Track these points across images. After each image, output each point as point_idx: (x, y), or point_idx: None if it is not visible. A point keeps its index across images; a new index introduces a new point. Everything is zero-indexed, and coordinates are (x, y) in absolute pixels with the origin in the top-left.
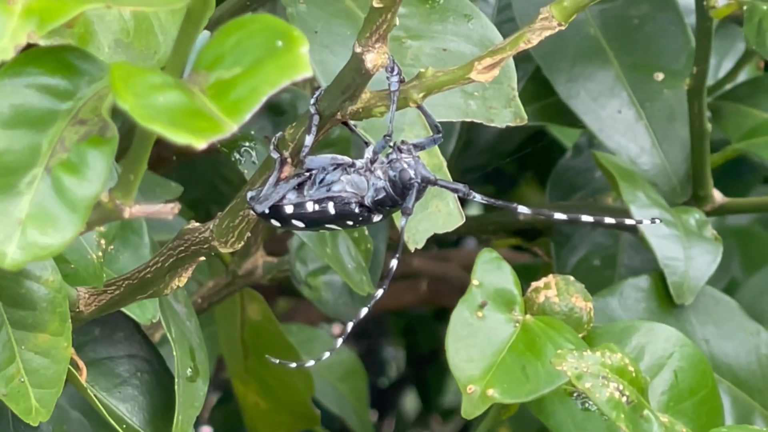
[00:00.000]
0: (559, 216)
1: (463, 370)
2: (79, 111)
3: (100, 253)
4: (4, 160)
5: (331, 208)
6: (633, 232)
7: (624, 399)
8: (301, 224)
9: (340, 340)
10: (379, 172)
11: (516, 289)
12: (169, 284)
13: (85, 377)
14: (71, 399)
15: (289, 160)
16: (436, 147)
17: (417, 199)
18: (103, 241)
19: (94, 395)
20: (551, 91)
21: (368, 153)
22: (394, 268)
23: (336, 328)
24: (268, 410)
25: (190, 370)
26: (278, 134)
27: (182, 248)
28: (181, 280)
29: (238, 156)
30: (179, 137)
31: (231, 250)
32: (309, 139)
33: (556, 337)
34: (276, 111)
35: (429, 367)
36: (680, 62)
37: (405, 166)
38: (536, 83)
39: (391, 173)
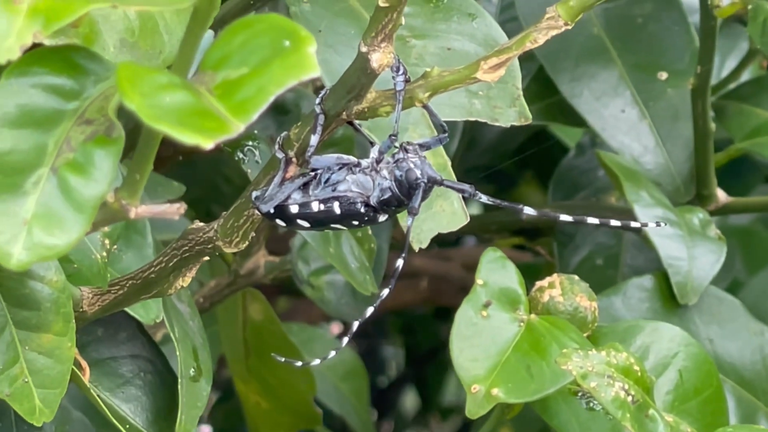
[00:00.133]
0: (565, 218)
1: (467, 370)
2: (86, 111)
3: (105, 253)
4: (10, 160)
5: (336, 207)
6: (636, 232)
7: (629, 398)
8: (306, 224)
9: (345, 339)
10: (384, 172)
11: (520, 289)
12: (173, 284)
13: (88, 377)
14: (73, 399)
15: (294, 159)
16: (441, 146)
17: (423, 199)
18: (107, 241)
19: (98, 395)
20: (554, 90)
21: (374, 153)
22: (400, 267)
23: (335, 328)
24: (269, 410)
25: (193, 370)
26: (283, 134)
27: (186, 248)
28: (185, 280)
29: (241, 155)
30: (186, 137)
31: (235, 250)
32: (314, 139)
33: (561, 336)
34: (280, 110)
35: (428, 367)
36: (684, 61)
37: (411, 165)
38: (539, 82)
39: (398, 173)
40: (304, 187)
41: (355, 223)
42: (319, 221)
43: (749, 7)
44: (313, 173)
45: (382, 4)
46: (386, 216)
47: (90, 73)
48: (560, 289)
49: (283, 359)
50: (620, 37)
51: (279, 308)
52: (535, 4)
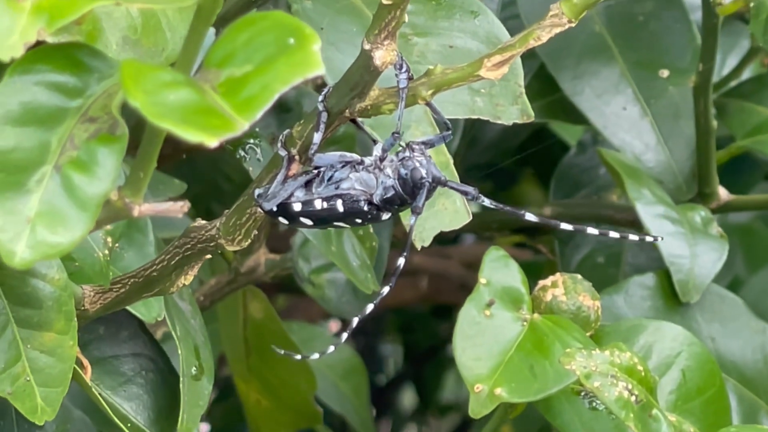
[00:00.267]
0: (566, 226)
1: (470, 369)
2: (89, 108)
3: (107, 251)
4: (14, 158)
5: (339, 205)
6: (638, 230)
7: (633, 398)
8: (309, 222)
9: (345, 335)
10: (388, 170)
11: (523, 288)
12: (175, 282)
13: (89, 376)
14: (74, 398)
15: (297, 157)
16: (444, 144)
17: (426, 199)
18: (109, 239)
19: (99, 394)
20: (556, 88)
21: (377, 151)
22: (401, 266)
23: (333, 325)
24: (270, 409)
25: (194, 368)
26: (286, 132)
27: (188, 246)
28: (187, 278)
29: (243, 153)
30: (191, 135)
31: (238, 248)
32: (317, 137)
33: (564, 335)
34: (281, 108)
35: (427, 365)
36: (685, 59)
37: (417, 165)
38: (541, 80)
39: (403, 171)
40: (307, 185)
41: (358, 221)
42: (322, 219)
43: (751, 4)
44: (316, 171)
45: (385, 2)
46: (389, 214)
47: (93, 71)
48: (563, 288)
49: (282, 351)
50: (622, 35)
51: (277, 306)
52: (536, 2)
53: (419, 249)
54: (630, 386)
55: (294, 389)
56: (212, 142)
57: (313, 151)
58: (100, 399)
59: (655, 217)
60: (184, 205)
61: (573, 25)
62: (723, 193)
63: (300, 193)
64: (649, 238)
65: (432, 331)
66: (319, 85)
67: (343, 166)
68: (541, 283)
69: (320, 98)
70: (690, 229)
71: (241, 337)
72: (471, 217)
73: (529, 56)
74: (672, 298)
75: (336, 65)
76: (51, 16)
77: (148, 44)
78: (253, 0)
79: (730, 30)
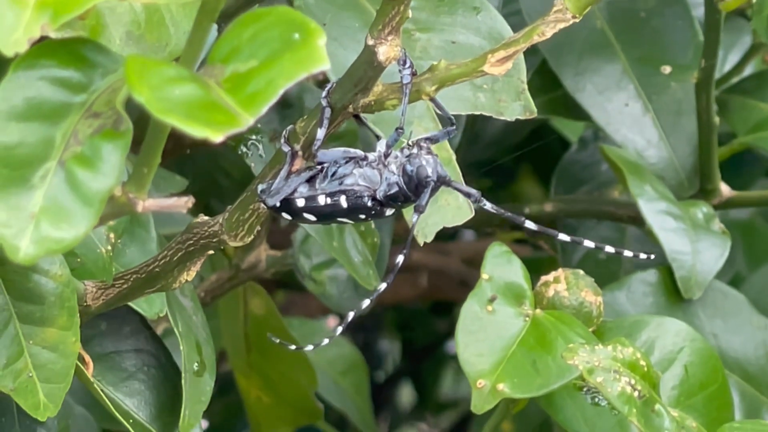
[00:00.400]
0: (563, 237)
1: (473, 365)
2: (93, 104)
3: (110, 247)
4: (18, 154)
5: (343, 201)
6: (639, 226)
7: (636, 393)
8: (312, 218)
9: (340, 329)
10: (393, 167)
11: (526, 283)
12: (177, 278)
13: (91, 372)
14: (75, 393)
15: (300, 153)
16: (447, 140)
17: (430, 197)
18: (112, 235)
19: (101, 390)
20: (558, 84)
21: (380, 147)
22: (400, 263)
23: (332, 321)
24: (270, 405)
25: (196, 364)
26: (289, 127)
27: (191, 242)
28: (190, 275)
29: (245, 149)
30: (196, 130)
31: (241, 244)
32: (321, 132)
33: (567, 331)
34: (283, 104)
35: (425, 361)
36: (687, 56)
37: (423, 163)
38: (543, 76)
39: (409, 168)
40: (311, 180)
41: (362, 216)
42: (326, 215)
43: (753, 0)
44: (319, 167)
45: None
46: (392, 210)
47: (97, 66)
48: (565, 284)
49: (278, 340)
50: (624, 31)
51: (276, 302)
52: None
53: (421, 245)
54: (633, 381)
55: (294, 385)
56: (217, 137)
57: (316, 147)
58: (102, 395)
59: (657, 213)
60: (188, 201)
61: (577, 20)
62: (725, 190)
63: (303, 189)
64: (642, 255)
65: (431, 328)
66: (320, 80)
67: (346, 162)
68: (544, 278)
69: (324, 94)
70: (692, 226)
71: (241, 333)
72: (473, 213)
73: (531, 52)
74: (674, 295)
75: (339, 61)
76: (55, 11)
77: (152, 39)
78: None
79: (732, 26)
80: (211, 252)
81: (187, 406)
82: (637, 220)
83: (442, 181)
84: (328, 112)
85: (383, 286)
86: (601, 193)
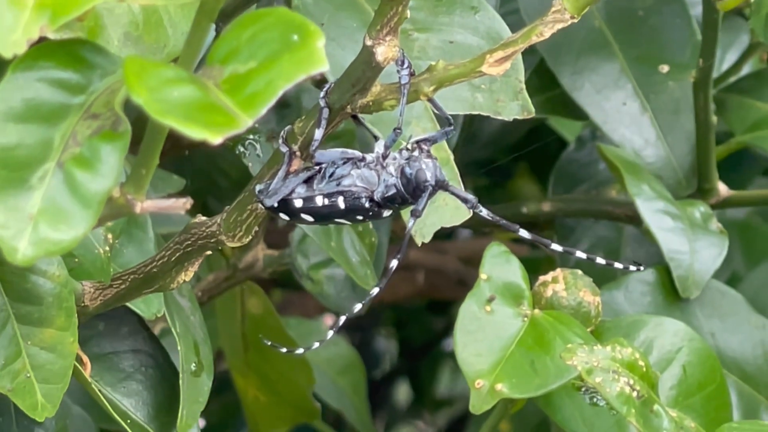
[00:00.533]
0: (556, 247)
1: (471, 365)
2: (92, 105)
3: (107, 248)
4: (16, 155)
5: (341, 202)
6: (637, 225)
7: (634, 394)
8: (310, 218)
9: (330, 333)
10: (391, 168)
11: (524, 283)
12: (175, 279)
13: (89, 372)
14: (73, 394)
15: (298, 153)
16: (445, 140)
17: (428, 201)
18: (110, 236)
19: (99, 390)
20: (555, 83)
21: (379, 147)
22: (394, 268)
23: (328, 320)
24: (268, 404)
25: (194, 364)
26: (287, 127)
27: (189, 242)
28: (188, 275)
29: (242, 149)
30: (194, 132)
31: (239, 245)
32: (319, 133)
33: (565, 331)
34: (281, 104)
35: (422, 360)
36: (685, 54)
37: (423, 166)
38: (540, 75)
39: (408, 171)
40: (309, 181)
41: (359, 217)
42: (323, 215)
43: (751, 0)
44: (317, 167)
45: None
46: (390, 211)
47: (96, 67)
48: (564, 284)
49: (269, 342)
50: (622, 30)
51: (273, 301)
52: None
53: (419, 245)
54: (631, 382)
55: (292, 384)
56: (216, 139)
57: (314, 148)
58: (100, 395)
59: (655, 212)
60: (186, 202)
61: (576, 20)
62: (722, 189)
63: (301, 190)
64: (632, 267)
65: (427, 327)
66: (318, 81)
67: (344, 163)
68: (542, 278)
69: (322, 94)
70: (690, 225)
71: (239, 332)
72: (471, 213)
73: (528, 52)
74: (672, 294)
75: (337, 61)
76: (54, 12)
77: (150, 41)
78: None
79: (729, 25)
80: (209, 252)
81: (185, 406)
82: (635, 219)
83: (440, 186)
84: (326, 112)
85: (375, 291)
86: (598, 192)
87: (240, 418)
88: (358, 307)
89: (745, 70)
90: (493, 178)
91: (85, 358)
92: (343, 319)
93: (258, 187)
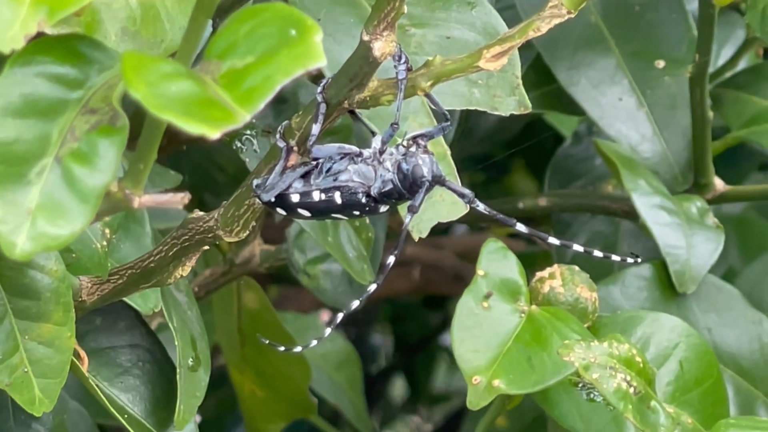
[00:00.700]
0: (553, 241)
1: (468, 361)
2: (90, 100)
3: (105, 243)
4: (15, 150)
5: (337, 197)
6: (633, 220)
7: (631, 390)
8: (307, 213)
9: (328, 330)
10: (388, 164)
11: (521, 279)
12: (172, 274)
13: (86, 367)
14: (70, 389)
15: (295, 148)
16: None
17: (424, 197)
18: (107, 231)
19: (96, 385)
20: (552, 78)
21: (376, 143)
22: (391, 264)
23: (325, 316)
24: (264, 399)
25: (191, 359)
26: (284, 123)
27: (186, 237)
28: (185, 270)
29: (239, 144)
30: (192, 127)
31: (236, 239)
32: (316, 128)
33: (562, 327)
34: (278, 99)
35: (418, 355)
36: (681, 50)
37: (420, 162)
38: (537, 71)
39: (405, 166)
40: (306, 176)
41: (356, 213)
42: (320, 210)
43: None
44: (314, 162)
45: None
46: (387, 207)
47: (94, 62)
48: (561, 280)
49: (267, 341)
50: (618, 26)
51: (270, 296)
52: None
53: (416, 240)
54: (628, 377)
55: (289, 379)
56: (214, 134)
57: (311, 143)
58: (97, 390)
59: (651, 207)
60: (184, 197)
61: (572, 16)
62: (719, 184)
63: (298, 185)
64: (629, 260)
65: (423, 322)
66: (315, 76)
67: (341, 158)
68: (539, 274)
69: (319, 89)
70: (686, 220)
71: (235, 327)
72: (468, 209)
73: (525, 47)
74: (668, 289)
75: (333, 56)
76: (51, 7)
77: (147, 35)
78: None
79: (725, 21)
80: (207, 247)
81: (182, 401)
82: (631, 214)
83: (437, 181)
84: (323, 107)
85: (372, 287)
86: (595, 188)
87: (236, 413)
88: (355, 303)
89: (742, 65)
90: (490, 174)
91: (83, 353)
92: (341, 316)
93: (255, 182)
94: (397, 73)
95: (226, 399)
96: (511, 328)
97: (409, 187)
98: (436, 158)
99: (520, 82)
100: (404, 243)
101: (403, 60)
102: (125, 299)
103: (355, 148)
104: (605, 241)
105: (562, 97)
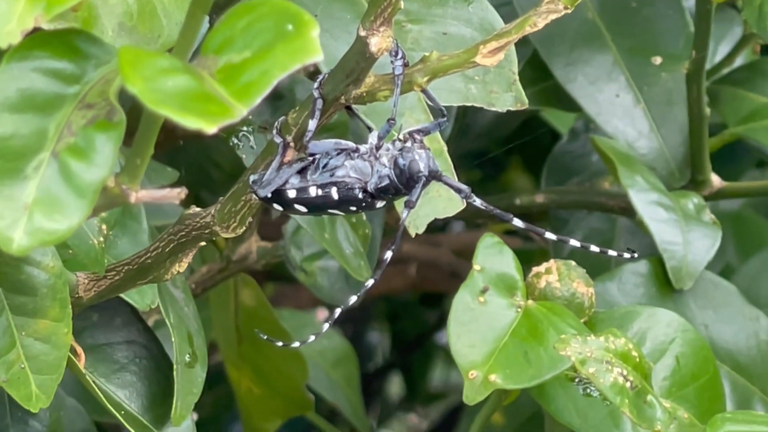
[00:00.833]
0: (549, 236)
1: (465, 356)
2: (86, 95)
3: (102, 239)
4: (11, 145)
5: (334, 193)
6: (630, 217)
7: (628, 384)
8: (303, 209)
9: (326, 325)
10: (384, 159)
11: (518, 274)
12: (169, 270)
13: (83, 363)
14: (66, 385)
15: (292, 144)
16: (438, 131)
17: (421, 192)
18: (104, 227)
19: (93, 381)
20: (549, 75)
21: (372, 139)
22: (388, 259)
23: (322, 313)
24: (262, 396)
25: (188, 356)
26: (281, 118)
27: (183, 233)
28: (181, 266)
29: (236, 141)
30: (189, 122)
31: (233, 235)
32: (312, 124)
33: (558, 322)
34: (274, 96)
35: (414, 353)
36: (678, 46)
37: (416, 157)
38: (534, 67)
39: (401, 161)
40: (302, 172)
41: (353, 208)
42: (317, 206)
43: None
44: (311, 158)
45: None
46: (383, 202)
47: (91, 57)
48: (557, 275)
49: (265, 336)
50: (615, 22)
51: (266, 294)
52: None
53: (413, 236)
54: (625, 372)
55: (286, 377)
56: (210, 128)
57: (308, 138)
58: (94, 386)
59: (648, 203)
60: (181, 192)
61: (569, 11)
62: (716, 180)
63: (295, 180)
64: (626, 255)
65: (420, 320)
66: (312, 72)
67: (338, 154)
68: (535, 269)
69: (315, 85)
70: (683, 216)
71: (232, 324)
72: (465, 205)
73: (521, 43)
74: (665, 285)
75: (330, 52)
76: (48, 2)
77: (144, 31)
78: None
79: (722, 17)
80: (203, 243)
81: (179, 398)
82: (628, 211)
83: (433, 176)
84: (319, 103)
85: (370, 282)
86: (591, 184)
87: (234, 411)
88: (353, 299)
89: (738, 61)
90: (487, 171)
91: (79, 349)
92: (338, 311)
93: (252, 178)
94: (393, 68)
95: (223, 397)
96: (508, 323)
97: (405, 182)
98: (433, 154)
99: (517, 78)
100: (401, 239)
101: (399, 55)
102: (122, 295)
103: (351, 144)
104: (602, 237)
105: (559, 94)
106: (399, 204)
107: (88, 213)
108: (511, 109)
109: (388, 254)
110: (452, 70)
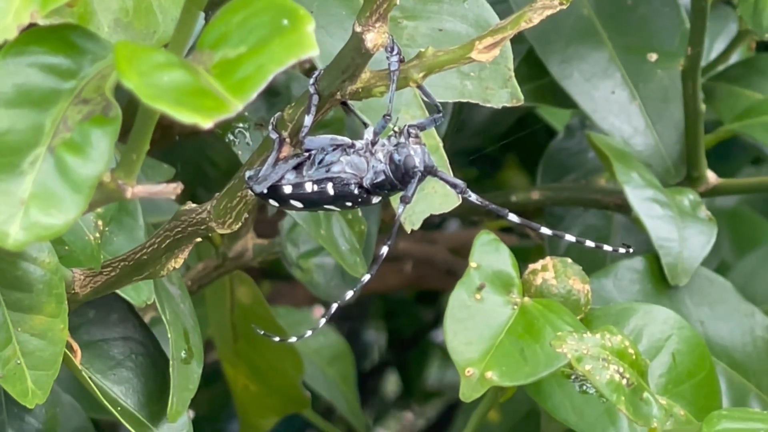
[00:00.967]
0: (545, 231)
1: (461, 353)
2: (82, 90)
3: (98, 235)
4: (7, 140)
5: (330, 188)
6: (626, 213)
7: (624, 381)
8: (299, 204)
9: (323, 320)
10: (380, 155)
11: (514, 272)
12: (165, 266)
13: (79, 359)
14: (62, 382)
15: (287, 140)
16: (434, 127)
17: (416, 187)
18: (100, 222)
19: (89, 377)
20: (544, 71)
21: (368, 134)
22: (384, 254)
23: (318, 310)
24: (258, 393)
25: (184, 352)
26: (277, 114)
27: (179, 229)
28: (177, 262)
29: (232, 137)
30: (185, 117)
31: (228, 231)
32: (308, 120)
33: (555, 319)
34: (270, 92)
35: (410, 351)
36: (674, 43)
37: (411, 152)
38: (529, 64)
39: (396, 157)
40: (298, 167)
41: (349, 204)
42: (313, 202)
43: None
44: (306, 154)
45: None
46: (379, 198)
47: (87, 53)
48: (553, 272)
49: (262, 332)
50: (610, 19)
51: (263, 291)
52: None
53: (408, 232)
54: (621, 369)
55: (282, 374)
56: (206, 123)
57: (303, 134)
58: (90, 383)
59: (644, 200)
60: (177, 187)
61: (564, 7)
62: (711, 177)
63: (291, 176)
64: (621, 250)
65: (416, 317)
66: (307, 68)
67: (334, 149)
68: (531, 266)
69: (311, 81)
70: (679, 213)
71: (228, 322)
72: (460, 201)
73: (517, 40)
74: (661, 282)
75: (326, 48)
76: None
77: (140, 26)
78: None
79: (717, 14)
80: (199, 239)
81: (175, 394)
82: (624, 207)
83: (429, 171)
84: (315, 99)
85: (366, 278)
86: (587, 181)
87: (230, 408)
88: (349, 294)
89: (734, 58)
90: (483, 169)
91: (75, 345)
92: (335, 306)
93: (248, 174)
94: (389, 64)
95: (220, 394)
96: (504, 320)
97: (401, 177)
98: (429, 150)
99: (513, 74)
100: (397, 237)
101: (395, 51)
102: (118, 292)
103: (347, 140)
104: (598, 234)
105: (554, 91)
106: (395, 200)
107: (84, 208)
108: (507, 105)
109: (384, 249)
110: (448, 66)
